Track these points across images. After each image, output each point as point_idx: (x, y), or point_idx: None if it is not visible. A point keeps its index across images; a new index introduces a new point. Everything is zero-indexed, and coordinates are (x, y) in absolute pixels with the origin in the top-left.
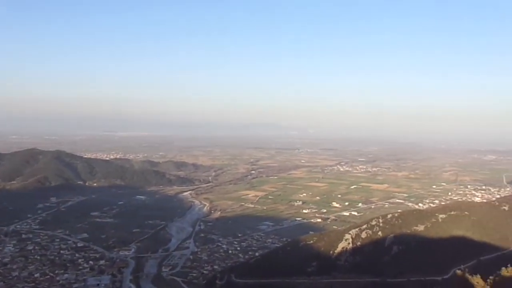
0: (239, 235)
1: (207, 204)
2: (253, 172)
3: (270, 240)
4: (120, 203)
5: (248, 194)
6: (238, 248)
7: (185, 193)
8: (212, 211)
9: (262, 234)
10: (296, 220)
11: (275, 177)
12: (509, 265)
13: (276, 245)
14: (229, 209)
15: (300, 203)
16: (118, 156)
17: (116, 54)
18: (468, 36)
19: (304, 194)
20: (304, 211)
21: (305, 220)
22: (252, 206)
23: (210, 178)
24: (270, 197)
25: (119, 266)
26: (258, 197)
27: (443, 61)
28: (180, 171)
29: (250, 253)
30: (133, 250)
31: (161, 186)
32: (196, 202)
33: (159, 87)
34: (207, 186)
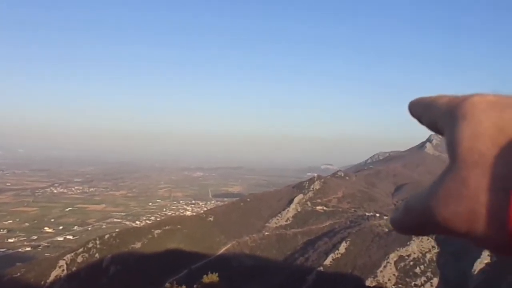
0: None
1: None
2: None
3: None
4: None
5: None
6: None
7: None
8: None
9: None
10: None
11: None
12: (209, 272)
13: None
14: None
15: (5, 231)
16: None
17: None
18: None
19: (10, 221)
20: (10, 240)
21: (11, 251)
22: None
23: None
24: None
25: None
26: None
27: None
28: None
29: None
30: None
31: None
32: None
33: None
34: None
